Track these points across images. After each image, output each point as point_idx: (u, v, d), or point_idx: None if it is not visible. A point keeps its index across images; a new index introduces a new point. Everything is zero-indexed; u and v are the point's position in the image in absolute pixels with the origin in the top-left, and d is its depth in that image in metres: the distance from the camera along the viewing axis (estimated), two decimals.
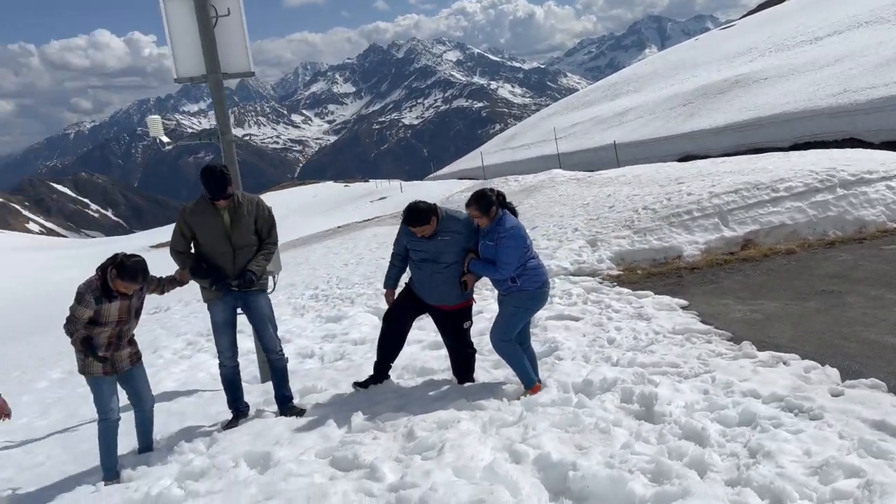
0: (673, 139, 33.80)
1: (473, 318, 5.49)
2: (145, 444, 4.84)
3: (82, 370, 4.46)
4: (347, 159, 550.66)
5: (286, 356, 6.50)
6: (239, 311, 5.19)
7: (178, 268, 5.04)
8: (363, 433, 4.43)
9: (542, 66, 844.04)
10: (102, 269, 4.39)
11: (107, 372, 4.46)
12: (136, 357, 4.70)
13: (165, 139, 7.02)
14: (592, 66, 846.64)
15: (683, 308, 7.14)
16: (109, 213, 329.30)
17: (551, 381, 5.01)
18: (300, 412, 5.12)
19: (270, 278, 6.74)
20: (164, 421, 5.49)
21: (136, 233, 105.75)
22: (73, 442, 5.44)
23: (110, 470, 4.48)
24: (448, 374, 5.62)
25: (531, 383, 4.98)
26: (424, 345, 6.96)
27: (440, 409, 4.73)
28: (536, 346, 5.76)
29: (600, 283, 8.62)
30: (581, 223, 11.26)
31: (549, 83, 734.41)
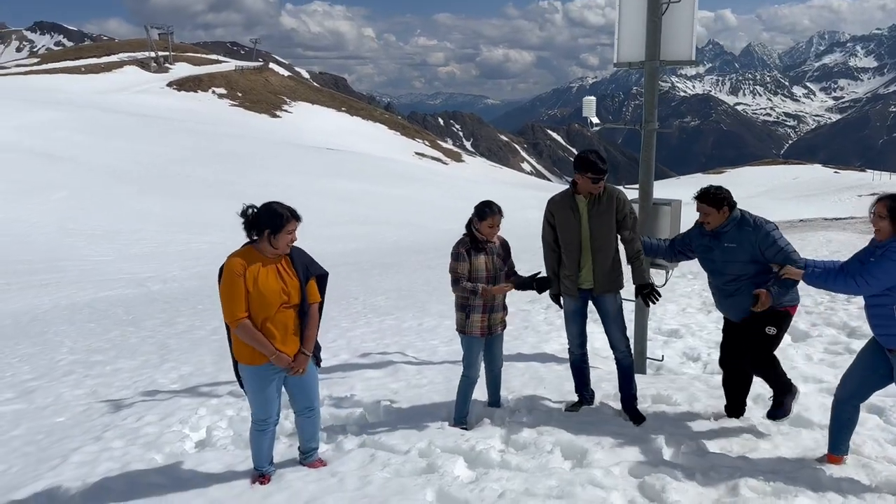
0: None
1: None
2: (493, 399, 5.36)
3: (460, 328, 5.06)
4: (847, 143, 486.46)
5: (664, 356, 6.44)
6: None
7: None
8: (683, 466, 4.17)
9: None
10: (468, 224, 4.94)
11: (482, 333, 4.99)
12: (504, 325, 5.17)
13: (595, 120, 7.30)
14: None
15: None
16: None
17: None
18: (640, 419, 5.02)
19: (664, 273, 6.63)
20: (524, 382, 5.97)
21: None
22: (450, 375, 6.29)
23: (460, 418, 5.08)
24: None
25: None
26: (822, 387, 6.05)
27: (785, 470, 4.15)
28: None
29: None
30: None
31: None
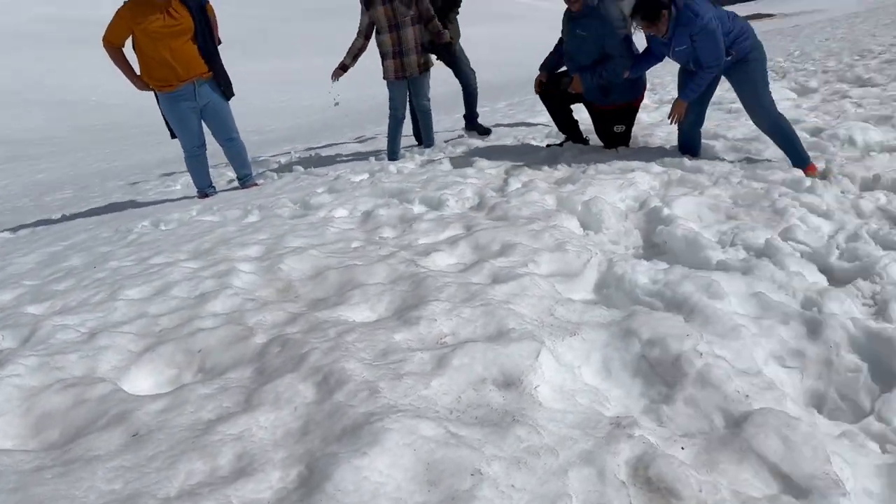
0: None
1: None
2: (427, 142, 5.99)
3: (383, 76, 5.51)
4: None
5: None
6: None
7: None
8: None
9: None
10: None
11: (398, 76, 5.46)
12: (425, 67, 5.56)
13: None
14: None
15: None
16: None
17: None
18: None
19: None
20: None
21: None
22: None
23: (391, 154, 5.74)
24: None
25: (805, 162, 4.24)
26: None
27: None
28: None
29: None
30: None
31: None
